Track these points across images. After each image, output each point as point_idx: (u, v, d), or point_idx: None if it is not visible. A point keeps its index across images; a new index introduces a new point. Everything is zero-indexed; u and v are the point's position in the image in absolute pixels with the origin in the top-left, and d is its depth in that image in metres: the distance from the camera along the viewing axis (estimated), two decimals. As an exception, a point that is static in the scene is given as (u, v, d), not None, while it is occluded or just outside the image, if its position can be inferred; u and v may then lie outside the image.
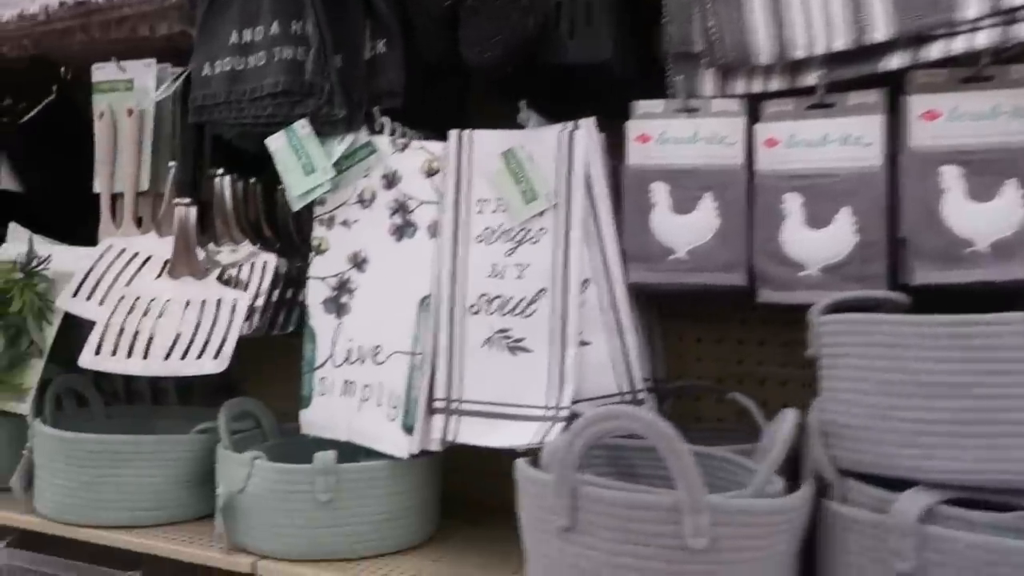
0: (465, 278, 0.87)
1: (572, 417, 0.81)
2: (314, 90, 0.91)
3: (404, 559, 0.88)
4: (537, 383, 0.84)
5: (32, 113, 1.15)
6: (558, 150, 0.85)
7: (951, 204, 0.73)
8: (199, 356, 0.94)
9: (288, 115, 0.93)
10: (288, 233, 1.12)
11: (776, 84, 0.81)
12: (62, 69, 1.19)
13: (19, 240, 1.14)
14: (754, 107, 0.83)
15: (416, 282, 0.89)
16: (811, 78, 0.79)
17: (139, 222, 1.08)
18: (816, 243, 0.78)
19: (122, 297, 0.99)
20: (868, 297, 0.73)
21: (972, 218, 0.72)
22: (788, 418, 0.68)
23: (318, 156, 0.91)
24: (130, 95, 1.07)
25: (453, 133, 0.89)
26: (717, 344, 1.02)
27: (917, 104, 0.75)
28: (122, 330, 0.97)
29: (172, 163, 1.02)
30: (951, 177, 0.74)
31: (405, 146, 0.91)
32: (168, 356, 0.94)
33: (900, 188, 0.76)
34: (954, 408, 0.63)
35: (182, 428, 1.04)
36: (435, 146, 0.89)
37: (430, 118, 0.94)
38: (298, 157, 0.92)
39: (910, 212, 0.75)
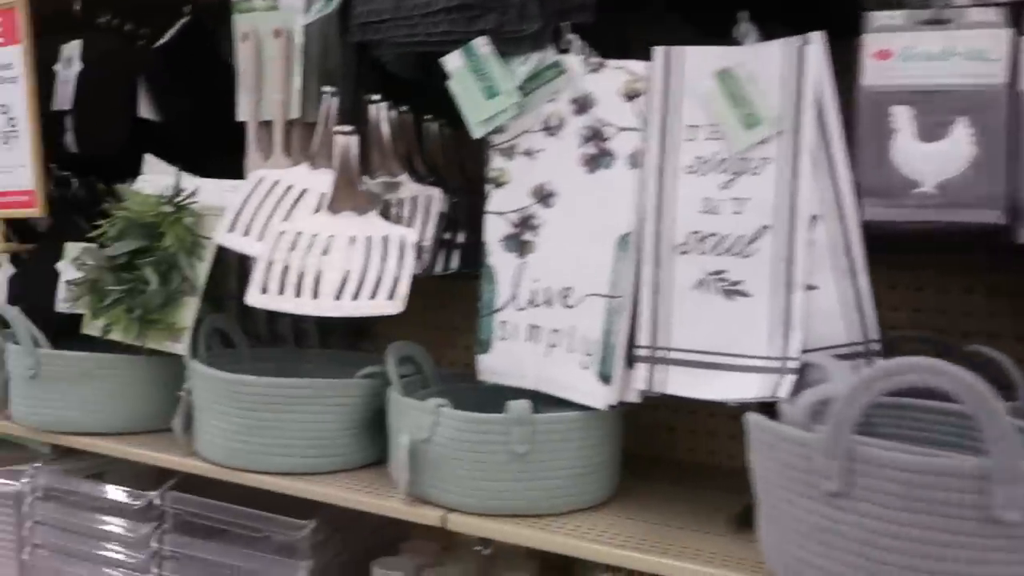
0: (673, 213, 0.79)
1: (802, 368, 0.74)
2: (494, 3, 0.82)
3: (598, 516, 0.83)
4: (757, 330, 0.76)
5: (168, 36, 1.08)
6: (785, 68, 0.75)
7: None
8: (372, 296, 0.88)
9: (465, 32, 0.84)
10: (435, 167, 1.05)
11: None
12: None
13: (155, 173, 1.08)
14: (1019, 16, 0.72)
15: (613, 218, 0.81)
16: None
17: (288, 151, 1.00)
18: (1101, 175, 0.68)
19: (281, 232, 0.93)
20: None
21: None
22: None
23: (501, 77, 0.83)
24: (275, 15, 0.99)
25: (659, 50, 0.79)
26: (917, 292, 0.93)
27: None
28: (286, 268, 0.91)
29: (328, 89, 0.94)
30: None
31: (601, 66, 0.82)
32: (339, 296, 0.88)
33: None
34: None
35: (330, 371, 1.01)
36: (637, 66, 0.80)
37: (614, 39, 0.84)
38: (478, 79, 0.83)
39: None
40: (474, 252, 0.91)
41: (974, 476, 0.55)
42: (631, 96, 0.80)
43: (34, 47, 1.08)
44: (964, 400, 0.55)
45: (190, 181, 1.02)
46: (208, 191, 1.01)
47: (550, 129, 0.85)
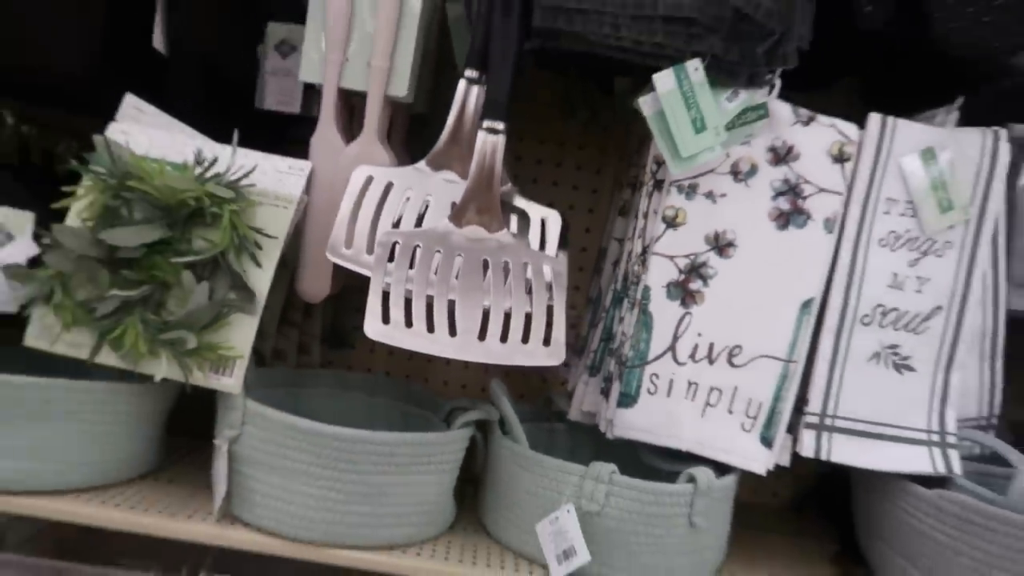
0: (862, 285, 0.78)
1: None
2: (721, 26, 0.72)
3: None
4: (920, 404, 0.80)
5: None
6: (981, 159, 0.78)
7: None
8: (524, 340, 0.73)
9: (680, 50, 0.73)
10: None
11: None
12: None
13: (135, 122, 0.78)
14: None
15: (799, 280, 0.78)
16: None
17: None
18: None
19: (394, 244, 0.73)
20: None
21: None
22: None
23: (710, 110, 0.74)
24: (385, -46, 0.76)
25: (875, 117, 0.77)
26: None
27: None
28: (408, 293, 0.72)
29: (471, 74, 0.76)
30: None
31: (811, 119, 0.77)
32: (483, 336, 0.72)
33: None
34: None
35: (360, 403, 0.90)
36: (849, 128, 0.77)
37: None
38: (687, 107, 0.73)
39: None
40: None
41: None
42: (839, 158, 0.77)
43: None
44: None
45: (227, 152, 0.75)
46: (263, 170, 0.75)
47: (738, 174, 0.78)
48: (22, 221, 0.76)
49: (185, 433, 0.84)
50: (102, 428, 0.74)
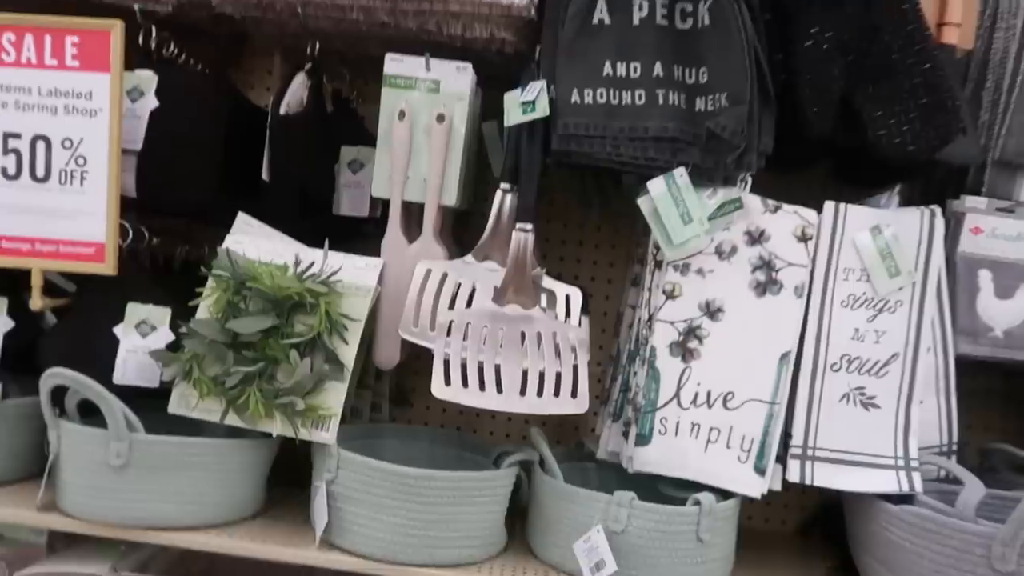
0: (828, 339, 0.97)
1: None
2: (697, 140, 0.93)
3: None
4: (886, 435, 0.96)
5: (289, 94, 1.00)
6: (920, 232, 0.97)
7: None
8: (556, 394, 0.93)
9: (668, 161, 0.93)
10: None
11: (1088, 203, 1.00)
12: (312, 44, 1.04)
13: (247, 234, 1.00)
14: (1055, 215, 1.01)
15: (777, 337, 0.96)
16: (1120, 205, 0.99)
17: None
18: (1109, 336, 0.99)
19: (452, 323, 0.93)
20: None
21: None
22: None
23: (695, 206, 0.94)
24: (437, 97, 0.98)
25: (829, 204, 0.97)
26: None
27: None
28: (464, 360, 0.92)
29: (505, 185, 0.97)
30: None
31: (777, 208, 0.96)
32: (523, 392, 0.92)
33: None
34: None
35: (423, 449, 1.09)
36: (809, 213, 0.96)
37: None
38: (676, 205, 0.93)
39: None
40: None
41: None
42: (802, 238, 0.96)
43: (122, 79, 0.94)
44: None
45: (319, 255, 0.97)
46: (345, 268, 0.97)
47: (722, 254, 0.97)
48: (162, 315, 0.98)
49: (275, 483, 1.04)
50: (227, 476, 0.94)
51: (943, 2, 0.97)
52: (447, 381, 0.90)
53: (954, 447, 1.01)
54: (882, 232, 0.96)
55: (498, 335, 0.94)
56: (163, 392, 0.96)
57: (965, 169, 1.04)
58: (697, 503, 0.91)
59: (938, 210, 0.97)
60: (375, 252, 1.01)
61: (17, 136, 0.94)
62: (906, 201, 1.02)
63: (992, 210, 1.01)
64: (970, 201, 1.01)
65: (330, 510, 0.92)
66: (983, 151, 1.02)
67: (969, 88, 1.06)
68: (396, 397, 1.20)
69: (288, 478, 1.03)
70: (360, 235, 1.12)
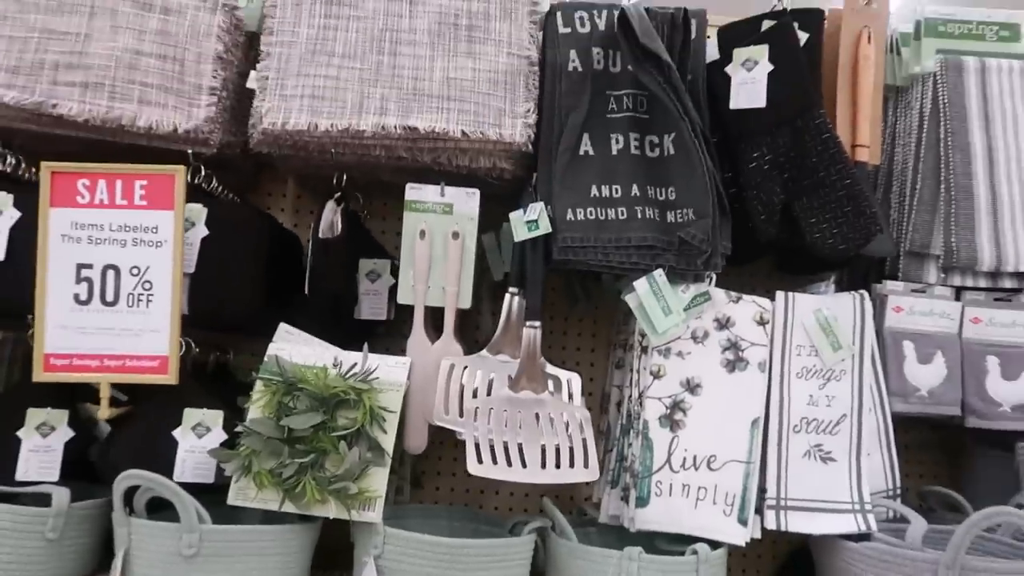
0: (789, 405, 1.16)
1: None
2: (671, 247, 1.13)
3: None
4: (843, 484, 1.15)
5: (325, 219, 1.16)
6: (854, 312, 1.18)
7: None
8: (571, 466, 1.09)
9: (648, 264, 1.13)
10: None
11: (982, 283, 1.24)
12: (339, 176, 1.21)
13: (287, 342, 1.14)
14: (957, 294, 1.25)
15: (747, 405, 1.15)
16: (1006, 283, 1.23)
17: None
18: (1010, 390, 1.22)
19: (477, 409, 1.09)
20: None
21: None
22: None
23: (673, 300, 1.13)
24: (450, 219, 1.16)
25: (780, 294, 1.17)
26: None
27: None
28: (491, 441, 1.07)
29: (513, 290, 1.15)
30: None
31: (739, 299, 1.17)
32: (544, 466, 1.07)
33: (1057, 359, 1.22)
34: None
35: (443, 525, 1.20)
36: (764, 302, 1.17)
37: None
38: (658, 300, 1.12)
39: None
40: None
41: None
42: (761, 322, 1.16)
43: (183, 214, 1.09)
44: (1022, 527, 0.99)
45: (358, 358, 1.12)
46: (381, 367, 1.12)
47: (696, 338, 1.16)
48: (215, 417, 1.11)
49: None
50: (283, 558, 1.05)
51: (855, 128, 1.22)
52: (479, 460, 1.05)
53: (898, 491, 1.20)
54: (824, 314, 1.17)
55: (516, 418, 1.10)
56: (215, 487, 1.08)
57: (883, 259, 1.27)
58: (695, 552, 1.07)
59: (866, 294, 1.19)
60: (385, 348, 1.17)
61: (89, 266, 1.07)
62: (840, 287, 1.23)
63: (908, 291, 1.23)
64: (890, 285, 1.23)
65: (377, 583, 1.04)
66: (896, 244, 1.25)
67: (879, 193, 1.30)
68: (412, 480, 1.33)
69: (315, 563, 1.14)
70: (373, 335, 1.28)
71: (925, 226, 1.24)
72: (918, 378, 1.21)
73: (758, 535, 1.13)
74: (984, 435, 1.24)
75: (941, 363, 1.22)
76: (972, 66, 1.28)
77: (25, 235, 1.11)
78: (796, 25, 1.19)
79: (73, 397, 1.15)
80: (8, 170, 1.16)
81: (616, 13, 1.16)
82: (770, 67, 1.17)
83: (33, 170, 1.19)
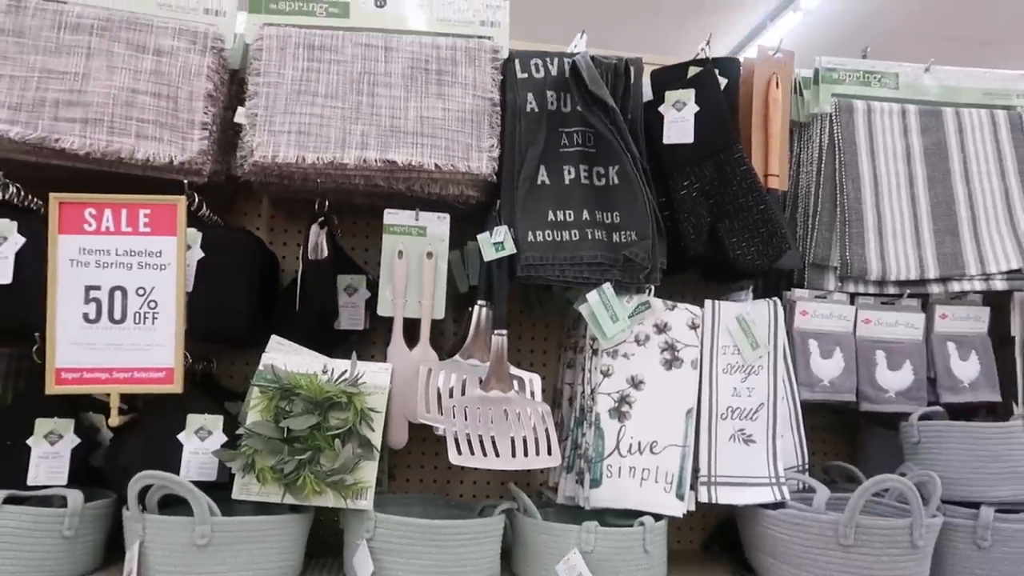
0: (717, 396, 1.36)
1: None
2: (617, 264, 1.32)
3: (677, 585, 1.32)
4: (762, 462, 1.36)
5: (311, 241, 1.30)
6: (768, 316, 1.40)
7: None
8: (537, 454, 1.26)
9: (599, 279, 1.31)
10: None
11: (871, 289, 1.48)
12: (320, 202, 1.35)
13: (278, 352, 1.27)
14: (851, 299, 1.48)
15: (683, 398, 1.35)
16: (890, 289, 1.47)
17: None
18: (894, 379, 1.46)
19: (454, 407, 1.25)
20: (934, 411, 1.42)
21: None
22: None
23: (619, 309, 1.32)
24: (424, 240, 1.32)
25: (708, 302, 1.38)
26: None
27: (937, 310, 1.48)
28: (468, 435, 1.23)
29: (482, 302, 1.31)
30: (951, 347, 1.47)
31: (674, 306, 1.37)
32: (514, 455, 1.24)
33: (931, 352, 1.47)
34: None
35: (418, 511, 1.35)
36: (695, 308, 1.37)
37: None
38: (607, 309, 1.31)
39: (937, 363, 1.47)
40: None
41: (904, 528, 1.21)
42: (692, 326, 1.37)
43: (185, 239, 1.21)
44: (904, 491, 1.22)
45: (344, 364, 1.26)
46: (366, 373, 1.26)
47: (639, 341, 1.35)
48: (216, 421, 1.23)
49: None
50: (284, 544, 1.18)
51: (767, 160, 1.43)
52: (459, 451, 1.21)
53: (806, 466, 1.42)
54: (744, 318, 1.38)
55: (488, 414, 1.26)
56: (217, 484, 1.20)
57: (791, 270, 1.49)
58: (642, 524, 1.25)
59: (777, 300, 1.41)
60: (361, 355, 1.31)
61: (97, 288, 1.18)
62: (756, 295, 1.45)
63: (812, 298, 1.46)
64: (797, 292, 1.46)
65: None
66: (801, 258, 1.48)
67: (787, 213, 1.53)
68: (388, 473, 1.48)
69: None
70: (348, 343, 1.42)
71: (825, 243, 1.47)
72: (821, 370, 1.44)
73: (693, 507, 1.33)
74: (875, 417, 1.48)
75: (839, 357, 1.45)
76: (861, 107, 1.52)
77: (30, 259, 1.21)
78: (717, 72, 1.40)
79: (75, 407, 1.25)
80: (11, 199, 1.24)
81: (567, 62, 1.34)
82: (696, 108, 1.37)
83: (32, 197, 1.28)
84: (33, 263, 1.20)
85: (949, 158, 1.52)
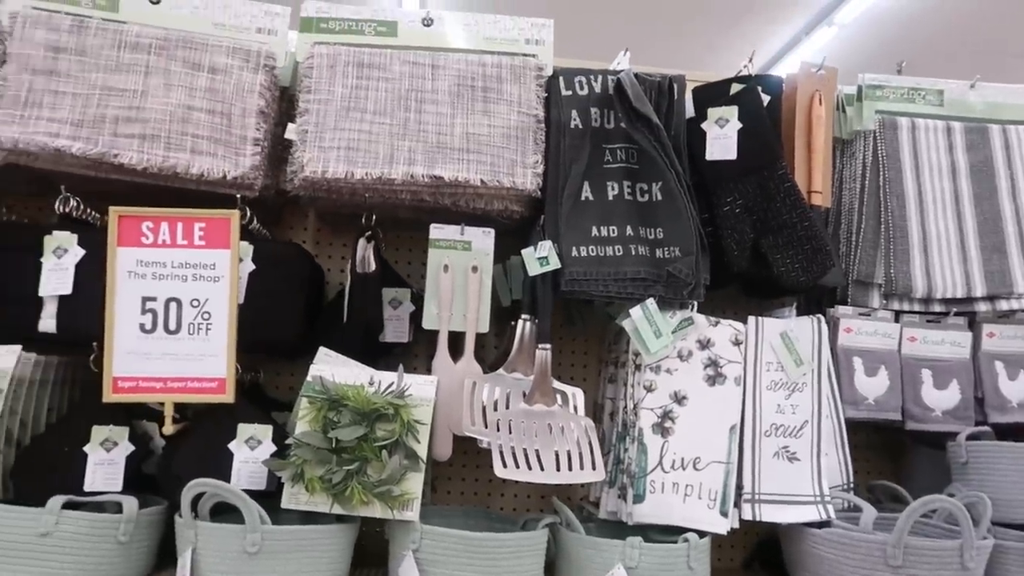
0: (760, 413, 1.36)
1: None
2: (660, 279, 1.32)
3: (720, 603, 1.31)
4: (806, 480, 1.35)
5: (359, 255, 1.32)
6: (812, 333, 1.39)
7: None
8: (581, 468, 1.26)
9: (641, 295, 1.32)
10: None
11: (916, 307, 1.46)
12: (367, 216, 1.37)
13: (326, 363, 1.29)
14: (896, 317, 1.47)
15: (726, 414, 1.35)
16: (936, 307, 1.46)
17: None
18: (940, 397, 1.44)
19: (498, 420, 1.26)
20: (982, 431, 1.40)
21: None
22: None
23: (663, 324, 1.32)
24: (470, 255, 1.33)
25: (752, 318, 1.38)
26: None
27: (984, 328, 1.46)
28: (512, 448, 1.24)
29: (526, 316, 1.32)
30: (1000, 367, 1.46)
31: (718, 322, 1.37)
32: (559, 469, 1.25)
33: (979, 371, 1.46)
34: None
35: (460, 523, 1.35)
36: (739, 325, 1.37)
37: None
38: (650, 324, 1.31)
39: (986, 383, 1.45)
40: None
41: (955, 549, 1.20)
42: (736, 343, 1.36)
43: (238, 252, 1.23)
44: (954, 512, 1.20)
45: (391, 376, 1.27)
46: (412, 385, 1.28)
47: (682, 357, 1.36)
48: (265, 431, 1.25)
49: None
50: (332, 553, 1.19)
51: (810, 176, 1.43)
52: (504, 464, 1.22)
53: (851, 485, 1.41)
54: (788, 335, 1.38)
55: (532, 427, 1.27)
56: (265, 493, 1.22)
57: (835, 287, 1.48)
58: (686, 540, 1.25)
59: (821, 317, 1.41)
60: (403, 367, 1.32)
61: (153, 299, 1.21)
62: (799, 312, 1.44)
63: (856, 315, 1.45)
64: (841, 309, 1.45)
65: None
66: (845, 275, 1.47)
67: (830, 230, 1.52)
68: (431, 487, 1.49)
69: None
70: (391, 355, 1.44)
71: (869, 260, 1.46)
72: (866, 388, 1.43)
73: (737, 525, 1.33)
74: (920, 436, 1.46)
75: (884, 376, 1.44)
76: (905, 124, 1.51)
77: (89, 270, 1.24)
78: (760, 88, 1.40)
79: (129, 416, 1.28)
80: (71, 212, 1.28)
81: (611, 79, 1.36)
82: (739, 125, 1.38)
83: (90, 211, 1.32)
84: (92, 275, 1.24)
85: (996, 175, 1.50)
